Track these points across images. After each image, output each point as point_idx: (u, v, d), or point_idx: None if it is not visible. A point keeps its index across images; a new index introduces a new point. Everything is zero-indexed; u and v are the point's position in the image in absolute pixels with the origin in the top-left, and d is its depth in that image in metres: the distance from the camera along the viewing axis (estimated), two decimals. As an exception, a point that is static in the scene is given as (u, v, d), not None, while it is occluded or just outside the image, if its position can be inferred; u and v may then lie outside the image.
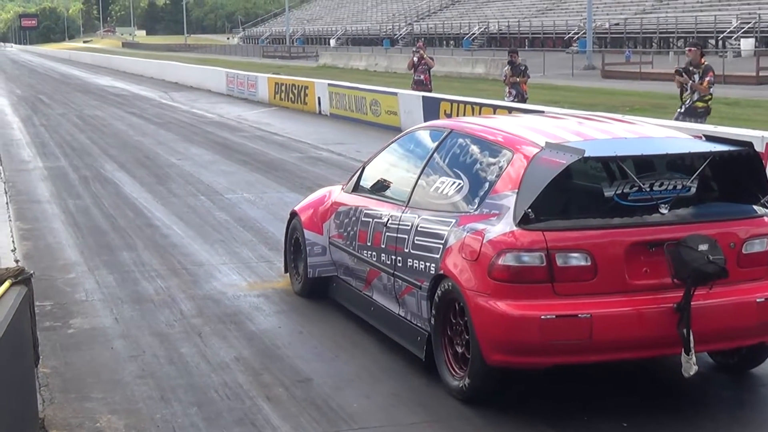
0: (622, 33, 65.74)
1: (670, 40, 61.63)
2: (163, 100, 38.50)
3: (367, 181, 8.57)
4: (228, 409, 6.44)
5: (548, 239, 6.06)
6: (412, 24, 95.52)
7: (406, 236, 7.23)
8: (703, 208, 6.53)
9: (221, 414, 6.35)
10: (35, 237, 12.18)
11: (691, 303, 5.98)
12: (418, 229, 7.09)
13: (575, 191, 6.46)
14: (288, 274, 9.58)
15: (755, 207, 6.58)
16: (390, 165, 8.47)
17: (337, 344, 7.84)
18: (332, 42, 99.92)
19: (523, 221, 6.09)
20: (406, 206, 7.48)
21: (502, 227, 6.22)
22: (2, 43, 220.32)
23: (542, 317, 5.95)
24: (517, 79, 22.08)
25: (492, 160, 6.84)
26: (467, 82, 41.27)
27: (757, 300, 6.28)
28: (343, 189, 8.98)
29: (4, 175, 17.28)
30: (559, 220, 6.24)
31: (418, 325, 7.11)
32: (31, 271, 6.43)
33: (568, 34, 68.90)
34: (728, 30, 56.90)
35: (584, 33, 58.02)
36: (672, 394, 6.69)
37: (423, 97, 23.81)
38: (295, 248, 9.38)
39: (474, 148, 7.17)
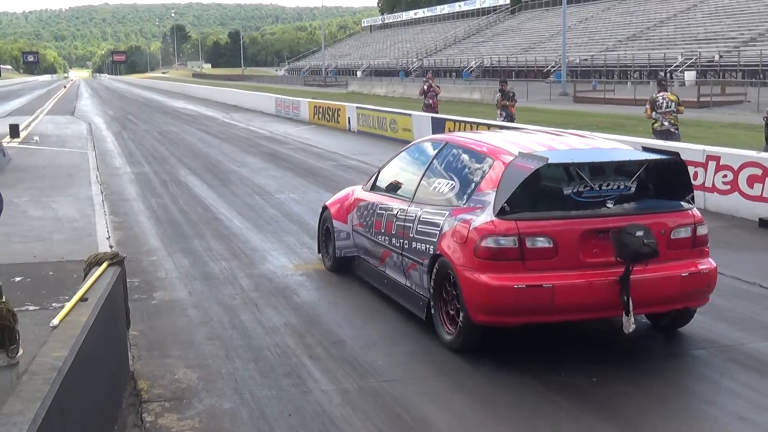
0: (590, 66, 65.49)
1: (628, 72, 61.35)
2: (225, 119, 38.53)
3: (382, 182, 8.85)
4: (279, 364, 6.46)
5: (520, 227, 6.39)
6: (422, 59, 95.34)
7: (411, 224, 7.55)
8: (641, 203, 6.76)
9: (273, 368, 6.37)
10: (125, 227, 12.21)
11: (631, 276, 6.31)
12: (420, 219, 7.42)
13: (541, 189, 6.63)
14: (320, 254, 9.80)
15: (682, 202, 6.91)
16: (399, 169, 8.75)
17: (365, 313, 7.86)
18: (358, 73, 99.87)
19: (501, 213, 6.43)
20: (411, 201, 7.79)
21: (484, 217, 6.54)
22: (97, 74, 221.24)
23: (515, 286, 6.30)
24: (507, 103, 22.02)
25: (477, 165, 7.17)
26: (466, 106, 41.15)
27: (682, 275, 6.64)
28: (363, 188, 9.29)
29: (101, 178, 17.33)
30: (528, 212, 6.49)
31: (420, 293, 7.39)
32: (124, 255, 6.48)
33: (547, 67, 68.67)
34: (675, 64, 56.66)
35: (560, 66, 57.89)
36: (624, 353, 6.74)
37: (432, 117, 23.80)
38: (326, 234, 9.66)
39: (464, 156, 7.50)
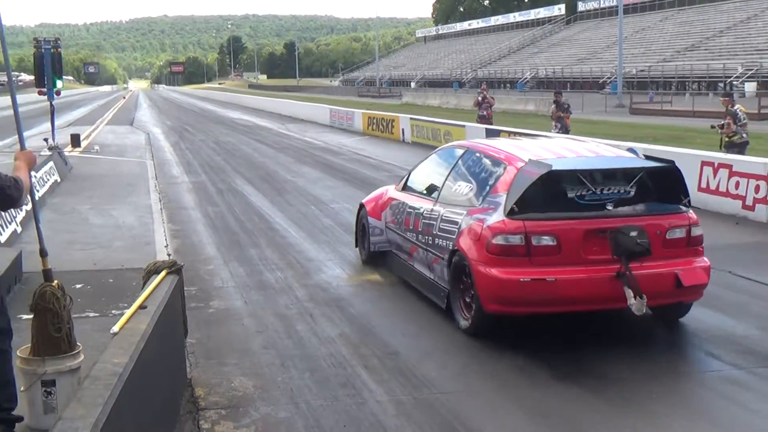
0: (647, 78, 64.69)
1: (686, 83, 60.47)
2: (280, 129, 38.84)
3: (412, 183, 9.57)
4: (334, 375, 6.46)
5: (527, 226, 7.01)
6: (476, 70, 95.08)
7: (435, 222, 8.25)
8: (639, 206, 7.32)
9: (329, 379, 6.37)
10: (183, 236, 12.34)
11: (632, 276, 6.86)
12: (443, 217, 8.10)
13: (547, 193, 7.16)
14: (357, 248, 10.56)
15: (679, 206, 7.45)
16: (427, 172, 9.42)
17: (418, 324, 7.83)
18: (412, 84, 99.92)
19: (510, 213, 7.06)
20: (436, 201, 8.47)
21: (496, 217, 7.18)
22: (156, 85, 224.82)
23: (521, 279, 6.92)
24: (561, 115, 21.80)
25: (494, 170, 7.82)
26: (520, 117, 40.91)
27: (676, 271, 7.12)
28: (395, 188, 10.02)
29: (159, 187, 17.59)
30: (535, 212, 7.08)
31: (442, 284, 8.04)
32: (181, 263, 6.55)
33: (602, 78, 67.99)
34: (734, 75, 55.66)
35: (616, 78, 57.21)
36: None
37: (486, 129, 23.65)
38: (362, 231, 10.41)
39: (483, 161, 8.15)
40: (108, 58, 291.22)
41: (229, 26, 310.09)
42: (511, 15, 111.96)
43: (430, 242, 8.30)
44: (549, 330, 7.47)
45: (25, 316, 6.49)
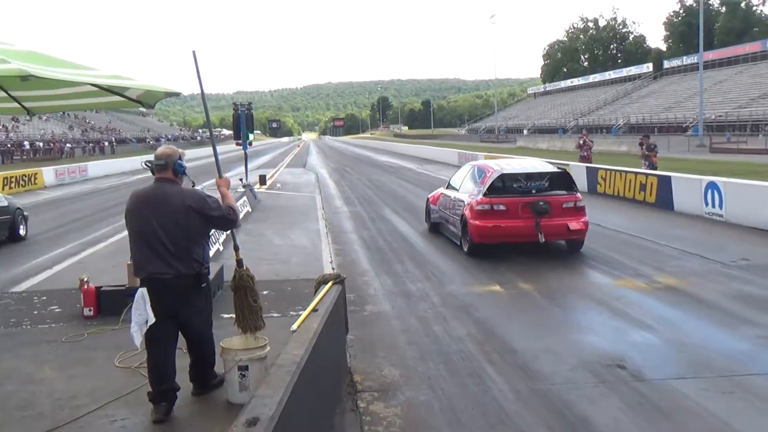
0: (725, 122, 61.17)
1: (759, 125, 56.79)
2: (419, 169, 38.98)
3: (451, 184, 13.69)
4: (463, 367, 6.39)
5: (492, 201, 11.29)
6: (577, 119, 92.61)
7: (457, 202, 12.47)
8: (550, 191, 11.52)
9: (459, 370, 6.30)
10: (343, 254, 12.51)
11: (541, 222, 11.01)
12: (459, 200, 12.35)
13: (501, 185, 11.64)
14: (425, 221, 14.90)
15: (571, 191, 11.52)
16: (456, 178, 13.60)
17: (534, 327, 7.65)
18: (525, 131, 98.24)
19: (485, 195, 11.39)
20: (458, 192, 12.69)
21: (478, 197, 11.45)
22: (322, 136, 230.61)
23: (489, 225, 11.16)
24: (648, 153, 20.93)
25: (481, 175, 12.08)
26: (615, 157, 39.41)
27: (569, 224, 11.18)
28: (443, 188, 14.08)
29: (325, 215, 17.93)
30: (496, 194, 11.39)
31: (458, 233, 12.17)
32: (344, 276, 6.64)
33: (685, 123, 64.82)
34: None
35: (697, 122, 54.44)
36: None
37: (586, 167, 22.96)
38: (427, 212, 14.82)
39: (479, 171, 12.42)
40: (286, 116, 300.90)
41: (379, 89, 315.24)
42: (606, 73, 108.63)
43: (455, 213, 12.45)
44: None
45: (226, 316, 6.76)
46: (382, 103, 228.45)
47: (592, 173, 21.99)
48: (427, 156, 50.90)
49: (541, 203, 10.98)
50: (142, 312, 4.85)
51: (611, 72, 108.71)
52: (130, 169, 41.86)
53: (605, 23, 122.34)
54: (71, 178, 35.63)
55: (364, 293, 9.39)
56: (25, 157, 54.62)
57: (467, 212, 11.50)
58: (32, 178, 31.22)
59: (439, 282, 9.95)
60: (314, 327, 4.83)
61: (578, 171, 23.05)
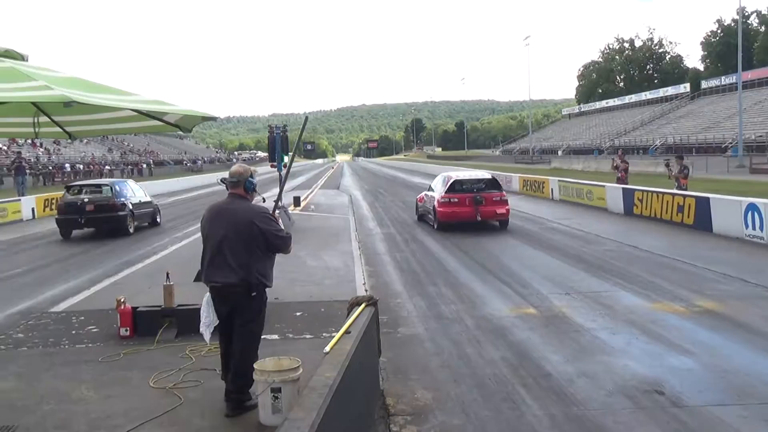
0: (765, 142, 60.09)
1: (801, 146, 55.76)
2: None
3: (431, 187, 20.02)
4: (497, 390, 6.33)
5: (449, 196, 17.94)
6: (613, 140, 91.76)
7: (431, 200, 18.92)
8: (486, 190, 18.00)
9: (493, 394, 6.25)
10: (376, 275, 12.52)
11: (479, 209, 17.68)
12: (432, 197, 18.85)
13: (454, 186, 18.01)
14: (415, 214, 21.53)
15: (499, 190, 18.27)
16: (434, 183, 20.01)
17: (568, 351, 7.55)
18: (559, 152, 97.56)
19: (445, 193, 18.05)
20: (433, 191, 18.97)
21: (442, 194, 18.12)
22: (356, 157, 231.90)
23: (448, 212, 17.88)
24: (678, 176, 20.60)
25: (446, 180, 18.71)
26: (650, 177, 38.77)
27: (497, 210, 17.92)
28: (426, 191, 20.37)
29: (359, 237, 17.96)
30: (452, 192, 18.03)
31: (432, 219, 18.77)
32: (377, 298, 6.65)
33: (724, 143, 63.82)
34: None
35: (737, 142, 53.57)
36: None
37: (623, 188, 22.69)
38: (416, 207, 21.60)
39: (445, 179, 18.88)
40: (321, 138, 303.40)
41: (413, 111, 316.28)
42: (643, 94, 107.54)
43: (431, 205, 18.88)
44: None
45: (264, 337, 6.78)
46: (416, 124, 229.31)
47: (627, 195, 21.74)
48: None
49: (478, 197, 17.70)
50: (208, 314, 5.42)
51: (647, 93, 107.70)
52: (167, 191, 42.48)
53: (641, 43, 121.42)
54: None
55: (397, 315, 9.36)
56: (66, 179, 55.77)
57: (436, 204, 18.35)
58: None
59: (472, 304, 9.88)
60: (347, 349, 4.84)
61: (614, 193, 22.82)
